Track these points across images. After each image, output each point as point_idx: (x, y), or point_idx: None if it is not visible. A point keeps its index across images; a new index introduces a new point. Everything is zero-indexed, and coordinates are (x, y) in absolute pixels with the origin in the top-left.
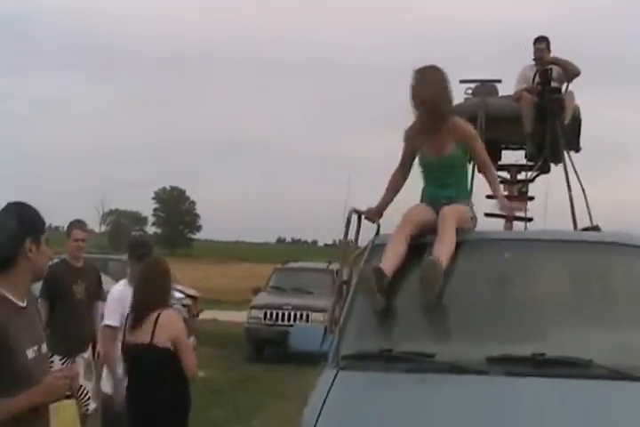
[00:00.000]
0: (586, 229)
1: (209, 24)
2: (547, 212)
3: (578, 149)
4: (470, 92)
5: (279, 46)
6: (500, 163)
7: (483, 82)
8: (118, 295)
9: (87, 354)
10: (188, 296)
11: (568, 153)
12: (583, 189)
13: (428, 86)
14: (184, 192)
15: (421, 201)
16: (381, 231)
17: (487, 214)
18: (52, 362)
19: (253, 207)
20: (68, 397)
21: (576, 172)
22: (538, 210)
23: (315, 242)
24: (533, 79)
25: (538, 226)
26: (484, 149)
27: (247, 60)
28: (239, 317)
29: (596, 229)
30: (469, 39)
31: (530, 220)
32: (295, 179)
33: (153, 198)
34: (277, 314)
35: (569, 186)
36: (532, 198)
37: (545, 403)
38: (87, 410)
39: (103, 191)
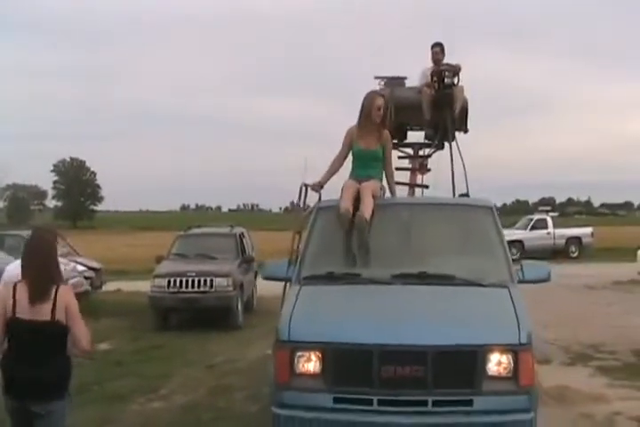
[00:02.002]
0: (461, 195)
1: None
2: (439, 181)
3: (466, 131)
4: (383, 83)
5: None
6: (405, 141)
7: (392, 78)
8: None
9: None
10: (91, 269)
11: (454, 135)
12: (463, 164)
13: (373, 117)
14: (84, 163)
15: (350, 178)
16: (323, 198)
17: (397, 183)
18: None
19: (155, 177)
20: None
21: (459, 149)
22: (436, 179)
23: (219, 207)
24: (431, 77)
25: (432, 191)
26: (391, 154)
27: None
28: (144, 286)
29: (466, 195)
30: None
31: (426, 187)
32: (195, 145)
33: (52, 171)
34: (181, 281)
35: (452, 161)
36: (429, 170)
37: (421, 294)
38: None
39: None
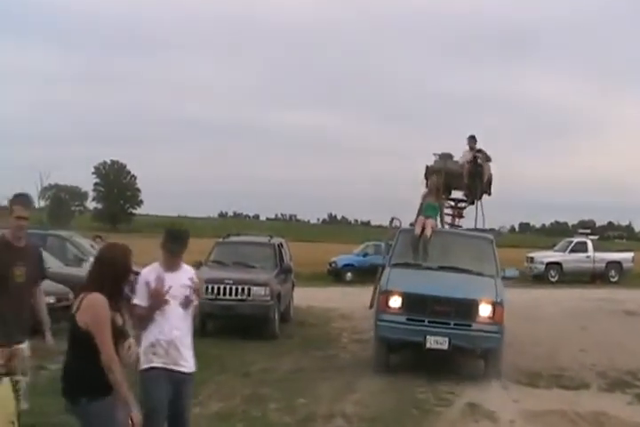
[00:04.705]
0: (479, 230)
1: None
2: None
3: (490, 194)
4: (438, 156)
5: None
6: (450, 197)
7: (444, 154)
8: (143, 276)
9: (25, 345)
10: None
11: (481, 196)
12: (483, 214)
13: (437, 191)
14: (125, 166)
15: (420, 216)
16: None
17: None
18: None
19: (194, 183)
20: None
21: (482, 205)
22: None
23: (257, 216)
24: (472, 158)
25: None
26: (443, 209)
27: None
28: None
29: (481, 230)
30: None
31: (460, 226)
32: (236, 153)
33: (93, 173)
34: (219, 288)
35: (477, 212)
36: (463, 217)
37: (452, 276)
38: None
39: (42, 166)
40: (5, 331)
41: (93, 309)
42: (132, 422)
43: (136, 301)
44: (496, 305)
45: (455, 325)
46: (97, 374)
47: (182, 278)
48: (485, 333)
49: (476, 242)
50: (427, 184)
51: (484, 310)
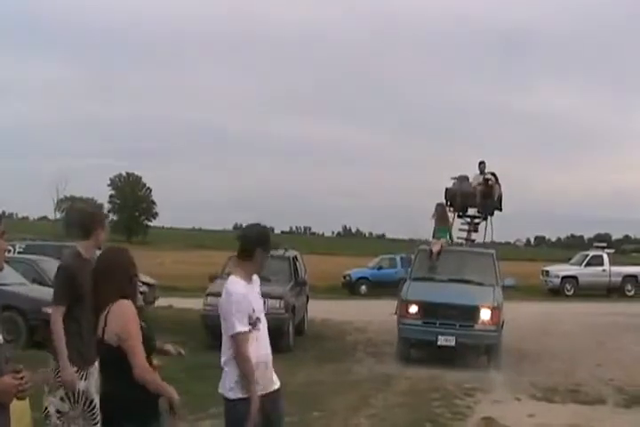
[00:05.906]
0: (484, 246)
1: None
2: (481, 237)
3: (500, 210)
4: (455, 179)
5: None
6: (466, 213)
7: (461, 177)
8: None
9: (97, 363)
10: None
11: (492, 212)
12: (492, 229)
13: (443, 217)
14: (140, 179)
15: (434, 238)
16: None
17: (458, 237)
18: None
19: (209, 196)
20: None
21: (491, 221)
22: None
23: (272, 229)
24: (483, 180)
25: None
26: (452, 229)
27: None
28: (195, 304)
29: (488, 246)
30: None
31: (474, 241)
32: (249, 166)
33: (109, 185)
34: None
35: (486, 227)
36: (477, 231)
37: (458, 286)
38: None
39: (58, 178)
40: (83, 352)
41: (124, 317)
42: (172, 408)
43: (243, 328)
44: (494, 309)
45: (460, 326)
46: (144, 395)
47: (257, 288)
48: (485, 332)
49: (479, 257)
50: (448, 205)
51: (485, 314)
